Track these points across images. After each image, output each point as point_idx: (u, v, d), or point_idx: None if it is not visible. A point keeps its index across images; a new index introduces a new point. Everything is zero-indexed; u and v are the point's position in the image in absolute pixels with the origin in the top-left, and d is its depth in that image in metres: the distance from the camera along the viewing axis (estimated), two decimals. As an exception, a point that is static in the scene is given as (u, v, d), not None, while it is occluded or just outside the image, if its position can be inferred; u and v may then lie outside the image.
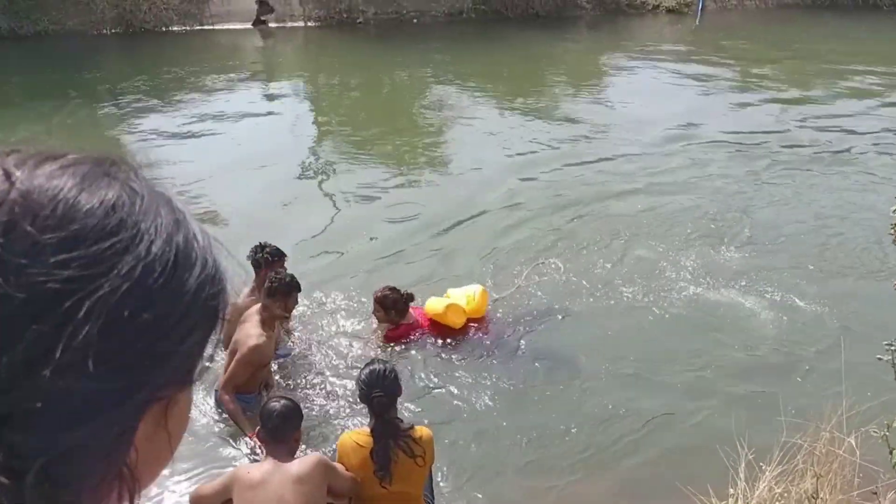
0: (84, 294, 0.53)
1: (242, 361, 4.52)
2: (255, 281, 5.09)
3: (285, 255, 5.20)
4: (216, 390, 4.76)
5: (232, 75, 12.70)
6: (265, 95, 12.05)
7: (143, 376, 0.56)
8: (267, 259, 5.05)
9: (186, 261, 0.59)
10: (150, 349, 0.56)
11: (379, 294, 5.54)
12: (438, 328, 5.61)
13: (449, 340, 5.55)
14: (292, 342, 5.51)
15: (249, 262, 5.05)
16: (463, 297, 5.66)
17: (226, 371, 4.66)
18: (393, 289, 5.55)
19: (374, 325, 5.63)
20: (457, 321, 5.59)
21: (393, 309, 5.51)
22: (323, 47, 14.87)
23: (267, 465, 3.57)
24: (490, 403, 5.00)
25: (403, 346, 5.50)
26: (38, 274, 0.52)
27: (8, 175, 0.55)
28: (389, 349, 5.46)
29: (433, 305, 5.63)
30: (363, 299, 5.91)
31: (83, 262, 0.54)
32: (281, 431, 3.68)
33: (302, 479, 3.49)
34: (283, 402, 3.83)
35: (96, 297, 0.53)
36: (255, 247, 5.12)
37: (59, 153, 0.59)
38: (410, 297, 5.60)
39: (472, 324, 5.69)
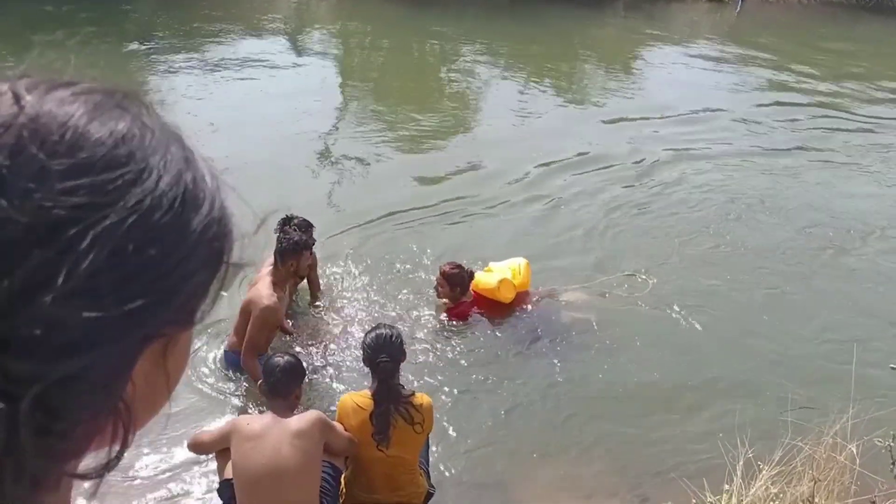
0: (89, 223, 0.52)
1: (257, 324, 4.53)
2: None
3: (313, 226, 5.10)
4: (225, 350, 4.79)
5: (262, 30, 12.64)
6: (294, 51, 12.00)
7: (144, 311, 0.55)
8: (296, 230, 4.91)
9: (194, 200, 0.58)
10: (153, 285, 0.55)
11: (447, 270, 5.51)
12: (486, 303, 5.55)
13: (497, 318, 5.51)
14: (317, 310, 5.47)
15: (276, 234, 4.86)
16: (508, 271, 5.58)
17: (235, 331, 4.68)
18: (459, 266, 5.54)
19: (436, 301, 5.61)
20: (508, 296, 5.52)
21: (459, 286, 5.49)
22: (356, 9, 14.74)
23: (266, 419, 3.60)
24: (513, 384, 5.00)
25: (459, 323, 5.47)
26: (44, 199, 0.52)
27: (18, 98, 0.55)
28: (449, 325, 5.44)
29: (484, 280, 5.54)
30: (383, 272, 5.89)
31: (90, 191, 0.53)
32: (283, 386, 3.71)
33: (300, 434, 3.52)
34: (286, 358, 3.85)
35: (101, 226, 0.53)
36: (283, 219, 4.98)
37: (71, 81, 0.58)
38: (472, 276, 5.57)
39: (517, 300, 5.60)
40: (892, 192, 8.35)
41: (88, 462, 0.58)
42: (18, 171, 0.52)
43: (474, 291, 5.57)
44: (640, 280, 6.08)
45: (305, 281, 5.47)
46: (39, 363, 0.52)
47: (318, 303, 5.53)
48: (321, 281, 5.65)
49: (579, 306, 5.76)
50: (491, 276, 5.55)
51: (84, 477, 0.57)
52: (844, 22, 15.24)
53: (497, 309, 5.54)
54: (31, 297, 0.51)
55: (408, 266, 6.08)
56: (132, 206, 0.54)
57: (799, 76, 12.24)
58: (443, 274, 5.53)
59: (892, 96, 11.55)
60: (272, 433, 3.52)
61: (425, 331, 5.42)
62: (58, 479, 0.56)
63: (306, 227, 5.08)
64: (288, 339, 5.03)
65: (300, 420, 3.58)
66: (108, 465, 0.58)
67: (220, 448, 3.65)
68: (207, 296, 0.61)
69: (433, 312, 5.59)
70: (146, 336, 0.57)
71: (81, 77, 0.60)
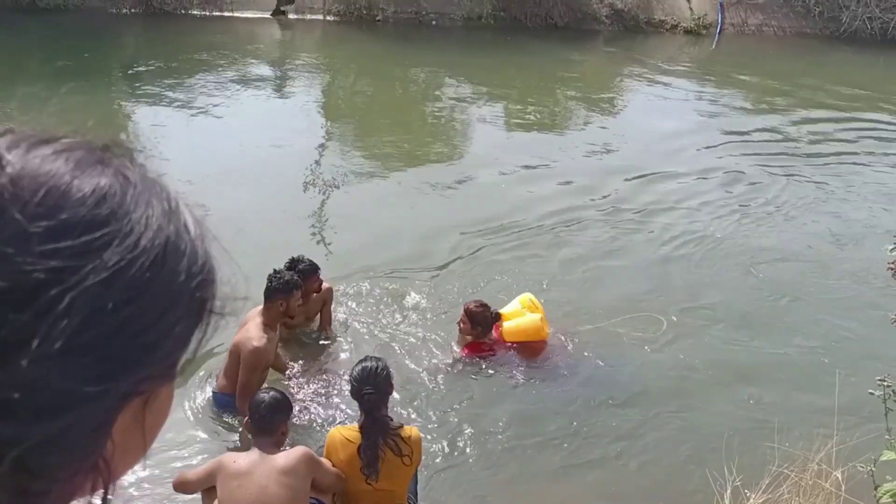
0: (68, 285, 0.52)
1: (248, 367, 4.49)
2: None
3: (319, 268, 5.18)
4: (214, 391, 4.75)
5: (248, 64, 12.71)
6: (278, 88, 12.06)
7: (123, 369, 0.55)
8: (301, 276, 4.94)
9: (175, 253, 0.58)
10: (132, 342, 0.55)
11: (472, 308, 5.45)
12: (521, 343, 5.52)
13: (526, 355, 5.50)
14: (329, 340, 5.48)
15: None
16: (525, 309, 5.55)
17: (225, 373, 4.65)
18: (485, 305, 5.49)
19: (457, 337, 5.59)
20: (547, 332, 5.52)
21: (481, 325, 5.45)
22: (340, 42, 14.89)
23: (253, 456, 3.57)
24: (509, 420, 5.00)
25: (479, 359, 5.45)
26: (24, 263, 0.51)
27: (0, 158, 0.54)
28: (466, 362, 5.41)
29: (521, 324, 5.49)
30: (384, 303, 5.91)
31: (70, 253, 0.52)
32: (267, 422, 3.69)
33: (287, 471, 3.50)
34: (271, 393, 3.84)
35: (80, 288, 0.52)
36: (290, 260, 5.06)
37: (53, 136, 0.58)
38: (497, 317, 5.53)
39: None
40: (875, 220, 8.45)
41: None
42: None
43: (507, 341, 5.48)
44: (653, 318, 6.04)
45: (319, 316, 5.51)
46: (18, 426, 0.51)
47: (326, 340, 5.50)
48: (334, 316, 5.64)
49: (586, 341, 5.73)
50: (528, 318, 5.50)
51: None
52: (819, 53, 15.56)
53: (526, 349, 5.50)
54: (7, 359, 0.50)
55: (418, 305, 6.04)
56: (111, 265, 0.53)
57: (774, 106, 12.45)
58: (466, 311, 5.46)
59: (858, 125, 11.74)
60: (258, 470, 3.50)
61: (434, 365, 5.38)
62: None
63: (313, 270, 5.09)
64: (282, 376, 5.02)
65: (287, 457, 3.56)
66: None
67: (206, 487, 3.61)
68: (188, 348, 0.60)
69: (443, 350, 5.52)
70: (125, 394, 0.56)
71: (63, 129, 0.59)
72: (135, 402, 0.58)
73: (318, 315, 5.54)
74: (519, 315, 5.57)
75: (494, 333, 5.57)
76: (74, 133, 0.59)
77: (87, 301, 0.52)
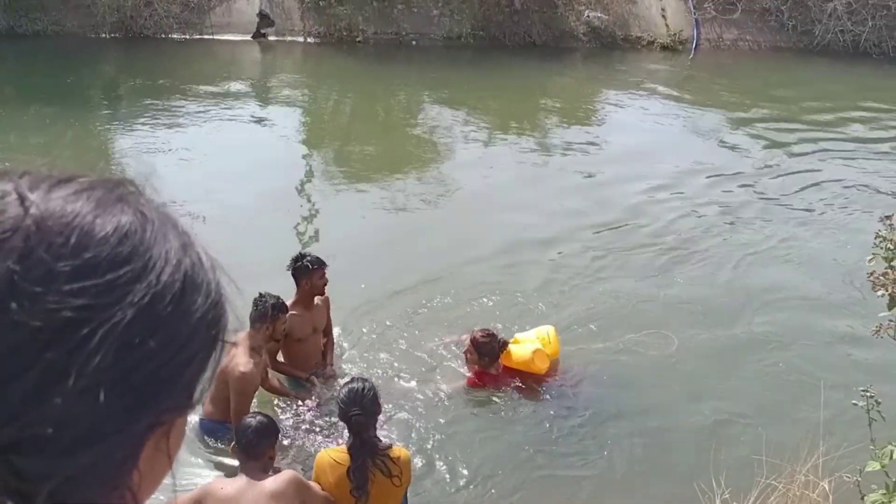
0: (97, 322, 0.54)
1: (237, 394, 4.51)
2: (297, 294, 5.06)
3: (325, 264, 5.17)
4: (200, 418, 4.74)
5: (228, 87, 12.71)
6: (260, 109, 12.06)
7: (149, 401, 0.57)
8: (307, 267, 5.01)
9: (193, 286, 0.60)
10: (156, 375, 0.57)
11: (479, 337, 5.36)
12: (517, 374, 5.41)
13: (524, 387, 5.41)
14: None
15: (290, 272, 5.04)
16: (537, 341, 5.43)
17: (211, 400, 4.63)
18: (492, 335, 5.38)
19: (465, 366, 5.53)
20: (542, 366, 5.36)
21: (487, 356, 5.35)
22: (321, 64, 14.93)
23: (240, 482, 3.55)
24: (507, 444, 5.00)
25: (483, 390, 5.38)
26: (52, 302, 0.53)
27: (22, 199, 0.56)
28: (470, 393, 5.35)
29: (516, 353, 5.38)
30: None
31: (96, 291, 0.54)
32: (255, 447, 3.67)
33: (275, 496, 3.48)
34: (258, 418, 3.82)
35: (109, 325, 0.54)
36: (296, 256, 5.10)
37: (71, 175, 0.60)
38: (504, 346, 5.42)
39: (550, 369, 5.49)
40: (859, 230, 8.53)
41: None
42: (27, 276, 0.53)
43: (504, 365, 5.39)
44: (662, 336, 6.02)
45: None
46: (51, 460, 0.52)
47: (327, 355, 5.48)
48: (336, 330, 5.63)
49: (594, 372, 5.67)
50: (523, 348, 5.39)
51: None
52: (793, 66, 15.78)
53: (528, 378, 5.41)
54: (41, 397, 0.52)
55: (416, 329, 6.03)
56: (136, 301, 0.55)
57: (750, 119, 12.60)
58: (473, 341, 5.38)
59: (825, 138, 11.88)
60: (246, 497, 3.47)
61: (434, 390, 5.37)
62: None
63: (319, 263, 5.08)
64: (275, 396, 5.01)
65: (275, 482, 3.54)
66: None
67: (195, 514, 3.58)
68: (205, 377, 0.62)
69: (445, 378, 5.50)
70: (151, 425, 0.58)
71: (77, 171, 0.61)
72: (158, 432, 0.59)
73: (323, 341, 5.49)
74: (526, 342, 5.47)
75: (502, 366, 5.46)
76: (89, 172, 0.61)
77: (116, 337, 0.54)
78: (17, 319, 0.52)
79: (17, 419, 0.51)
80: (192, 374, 0.60)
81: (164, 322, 0.57)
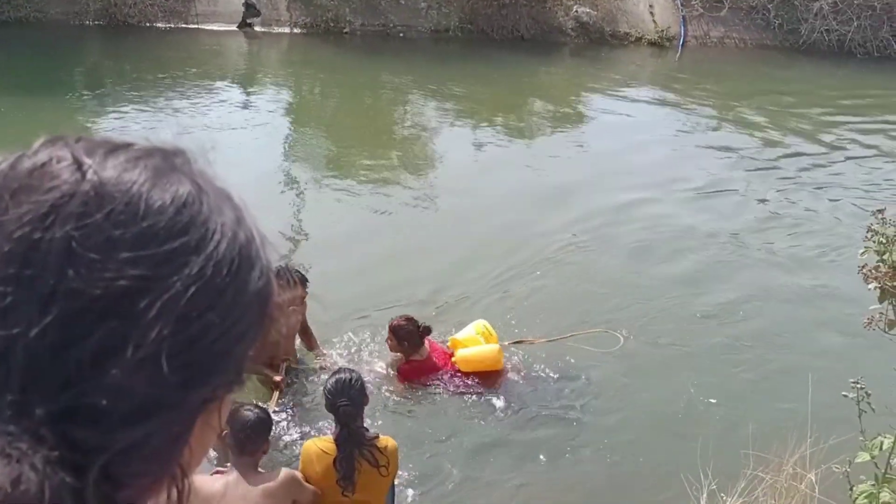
0: (155, 294, 0.52)
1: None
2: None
3: (307, 280, 5.15)
4: None
5: (213, 77, 12.60)
6: (245, 100, 11.97)
7: (204, 375, 0.56)
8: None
9: (248, 260, 0.59)
10: (212, 348, 0.55)
11: (394, 323, 5.27)
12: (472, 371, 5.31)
13: (477, 381, 5.32)
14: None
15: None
16: (479, 336, 5.35)
17: None
18: (409, 319, 5.28)
19: (389, 357, 5.43)
20: (502, 363, 5.33)
21: (406, 340, 5.25)
22: (307, 55, 14.83)
23: (231, 477, 3.49)
24: (478, 437, 4.99)
25: (423, 385, 5.30)
26: (110, 270, 0.51)
27: (80, 164, 0.54)
28: (404, 388, 5.26)
29: (476, 354, 5.27)
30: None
31: (154, 261, 0.53)
32: (251, 443, 3.61)
33: (267, 492, 3.43)
34: (255, 412, 3.77)
35: (167, 296, 0.53)
36: (276, 270, 5.04)
37: (127, 142, 0.59)
38: (427, 331, 5.32)
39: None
40: (836, 227, 8.60)
41: None
42: (84, 242, 0.51)
43: (463, 371, 5.27)
44: (608, 334, 5.99)
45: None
46: (105, 432, 0.51)
47: (318, 357, 5.45)
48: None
49: (544, 359, 5.65)
50: (484, 348, 5.28)
51: None
52: (778, 64, 15.86)
53: (488, 376, 5.32)
54: (98, 367, 0.51)
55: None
56: (195, 273, 0.54)
57: (736, 117, 12.67)
58: (390, 328, 5.28)
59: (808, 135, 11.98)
60: (237, 492, 3.41)
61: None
62: None
63: (302, 280, 5.03)
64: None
65: (267, 478, 3.49)
66: None
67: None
68: (251, 353, 0.61)
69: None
70: (205, 400, 0.57)
71: (134, 138, 0.59)
72: (210, 408, 0.59)
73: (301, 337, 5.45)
74: (474, 342, 5.36)
75: (433, 354, 5.34)
76: (145, 139, 0.60)
77: (175, 308, 0.53)
78: (75, 287, 0.51)
79: (73, 387, 0.51)
80: (244, 349, 0.59)
81: (221, 295, 0.56)
